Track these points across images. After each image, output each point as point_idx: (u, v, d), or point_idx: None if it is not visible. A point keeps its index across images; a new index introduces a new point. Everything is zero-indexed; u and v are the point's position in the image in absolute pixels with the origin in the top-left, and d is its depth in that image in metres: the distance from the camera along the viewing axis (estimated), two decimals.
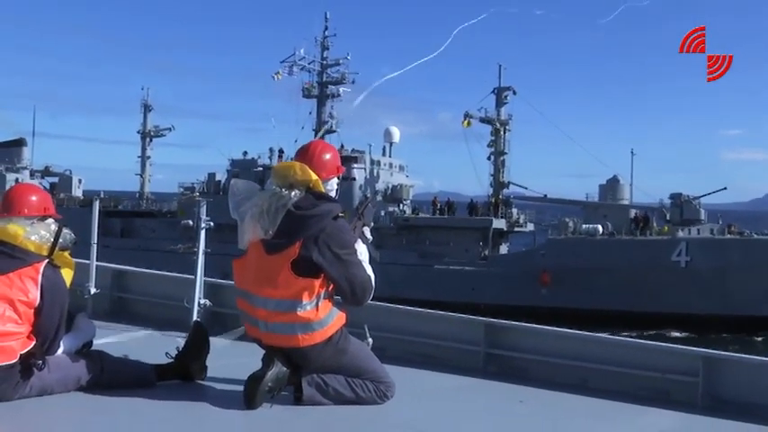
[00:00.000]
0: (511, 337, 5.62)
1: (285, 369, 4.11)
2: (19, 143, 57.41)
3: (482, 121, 46.15)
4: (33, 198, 4.36)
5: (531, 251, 42.95)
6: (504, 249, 45.88)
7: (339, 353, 4.21)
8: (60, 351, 4.22)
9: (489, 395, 5.08)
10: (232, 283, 4.52)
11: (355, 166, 45.49)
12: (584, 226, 41.05)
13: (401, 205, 46.83)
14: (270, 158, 48.24)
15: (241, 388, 4.12)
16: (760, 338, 35.55)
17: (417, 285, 37.97)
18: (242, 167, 46.34)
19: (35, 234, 4.14)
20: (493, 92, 46.74)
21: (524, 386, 5.19)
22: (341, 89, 50.23)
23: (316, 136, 46.60)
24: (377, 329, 4.85)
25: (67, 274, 4.27)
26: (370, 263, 4.33)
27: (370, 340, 4.55)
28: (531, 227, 46.69)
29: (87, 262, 6.42)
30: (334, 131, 49.28)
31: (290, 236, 4.08)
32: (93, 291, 6.50)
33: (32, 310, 4.04)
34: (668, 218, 41.16)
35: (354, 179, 44.42)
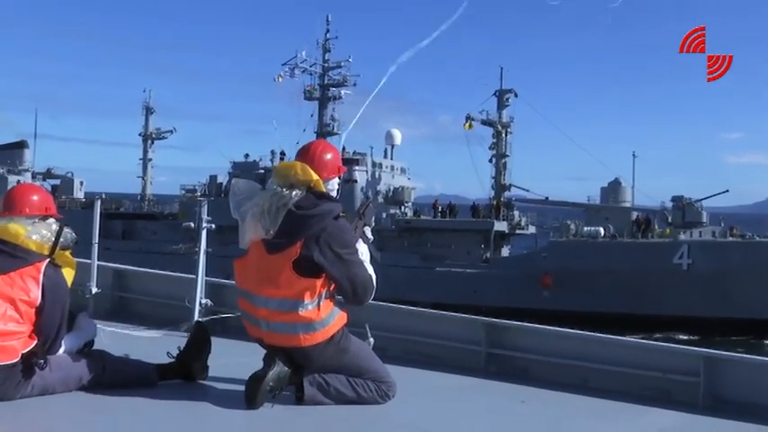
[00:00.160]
0: (512, 337, 5.62)
1: (286, 369, 4.11)
2: (20, 145, 57.47)
3: (483, 123, 46.15)
4: (35, 198, 4.36)
5: (533, 254, 42.94)
6: (505, 252, 45.87)
7: (340, 352, 4.21)
8: (62, 350, 4.22)
9: (490, 395, 5.08)
10: (233, 282, 4.52)
11: (357, 168, 45.53)
12: (585, 228, 41.03)
13: (403, 208, 46.83)
14: (271, 161, 48.21)
15: (242, 388, 4.12)
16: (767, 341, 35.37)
17: (419, 288, 37.94)
18: (243, 170, 46.33)
19: (36, 233, 4.14)
20: (494, 94, 46.74)
21: (526, 386, 5.19)
22: (342, 91, 50.25)
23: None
24: (378, 329, 4.85)
25: (69, 274, 4.27)
26: (371, 263, 4.33)
27: (372, 340, 4.55)
28: (532, 229, 46.67)
29: (88, 261, 6.43)
30: (336, 134, 49.27)
31: (291, 235, 4.07)
32: (94, 290, 6.50)
33: (34, 310, 4.04)
34: (670, 220, 41.14)
35: (356, 181, 44.46)
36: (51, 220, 4.34)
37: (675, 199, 42.00)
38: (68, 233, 4.28)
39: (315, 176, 4.20)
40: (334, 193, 4.38)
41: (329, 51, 50.50)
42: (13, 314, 3.98)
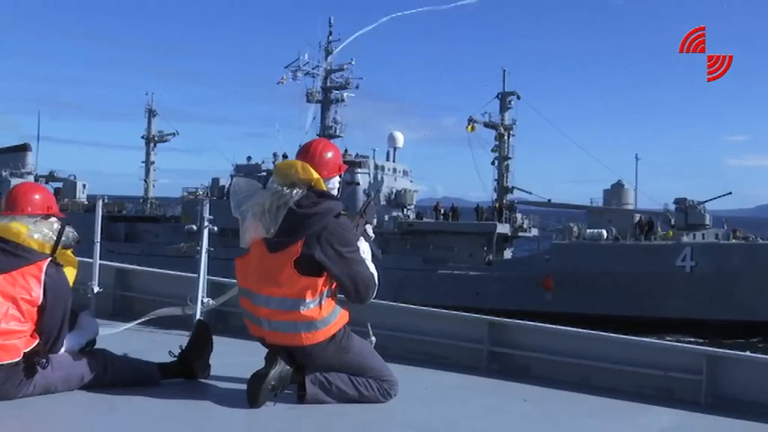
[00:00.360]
0: (514, 336, 5.62)
1: (288, 367, 4.11)
2: (23, 148, 57.57)
3: (486, 125, 46.15)
4: (36, 197, 4.36)
5: (536, 256, 42.89)
6: (508, 254, 45.79)
7: (342, 351, 4.21)
8: (63, 349, 4.22)
9: (492, 393, 5.07)
10: (235, 281, 4.52)
11: (359, 171, 45.50)
12: (588, 231, 41.00)
13: (405, 210, 46.82)
14: (273, 163, 48.23)
15: (244, 386, 4.12)
16: None
17: (421, 290, 37.89)
18: (246, 172, 46.28)
19: (38, 232, 4.15)
20: (497, 96, 46.73)
21: (527, 384, 5.19)
22: (345, 94, 50.24)
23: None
24: (380, 328, 4.85)
25: (70, 273, 4.27)
26: (372, 260, 4.33)
27: (373, 338, 4.54)
28: (535, 232, 46.62)
29: (90, 260, 6.42)
30: (339, 136, 49.28)
31: (292, 234, 4.08)
32: (96, 289, 6.50)
33: (35, 309, 4.05)
34: (673, 223, 41.09)
35: (358, 184, 44.42)
36: (53, 219, 4.35)
37: (678, 201, 41.96)
38: (70, 232, 4.29)
39: (315, 175, 4.20)
40: (335, 192, 4.38)
41: (331, 54, 50.54)
42: (15, 313, 3.99)
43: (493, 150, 46.82)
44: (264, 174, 45.67)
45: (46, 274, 4.07)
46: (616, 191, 44.27)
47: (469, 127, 45.00)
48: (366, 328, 4.57)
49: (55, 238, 4.18)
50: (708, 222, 41.29)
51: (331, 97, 50.20)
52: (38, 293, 4.04)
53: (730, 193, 45.12)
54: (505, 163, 46.93)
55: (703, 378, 4.86)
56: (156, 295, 6.98)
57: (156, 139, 59.45)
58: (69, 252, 4.32)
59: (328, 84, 50.22)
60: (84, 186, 58.33)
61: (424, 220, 46.30)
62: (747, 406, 4.72)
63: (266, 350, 4.21)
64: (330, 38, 50.52)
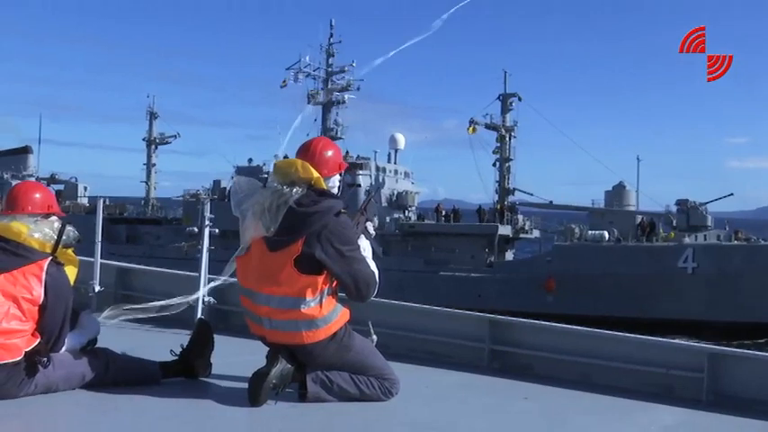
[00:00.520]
0: (515, 334, 5.62)
1: (289, 366, 4.11)
2: (25, 150, 57.63)
3: (487, 127, 46.15)
4: (37, 196, 4.36)
5: (537, 257, 42.85)
6: (509, 256, 45.75)
7: (343, 349, 4.20)
8: (65, 348, 4.22)
9: (494, 392, 5.07)
10: (236, 280, 4.51)
11: (361, 172, 45.51)
12: (590, 232, 40.98)
13: (406, 212, 46.81)
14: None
15: (245, 385, 4.12)
16: None
17: (422, 292, 37.86)
18: (247, 174, 46.22)
19: (39, 232, 4.14)
20: (498, 98, 46.74)
21: (529, 383, 5.20)
22: (346, 96, 50.25)
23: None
24: (381, 326, 4.84)
25: (71, 272, 4.27)
26: (373, 258, 4.33)
27: (375, 337, 4.53)
28: (536, 233, 46.54)
29: (91, 260, 6.43)
30: (340, 138, 49.28)
31: (292, 233, 4.07)
32: (97, 288, 6.50)
33: (37, 308, 4.04)
34: (675, 224, 41.04)
35: (360, 186, 44.42)
36: (54, 218, 4.34)
37: (680, 202, 41.93)
38: (71, 231, 4.28)
39: (315, 174, 4.19)
40: (335, 191, 4.38)
41: (333, 56, 50.53)
42: (16, 312, 3.98)
43: (494, 152, 46.82)
44: (266, 176, 45.57)
45: (47, 273, 4.07)
46: (618, 192, 44.24)
47: (471, 128, 45.02)
48: (367, 326, 4.56)
49: (56, 237, 4.18)
50: (710, 224, 41.24)
51: (332, 99, 50.20)
52: (39, 292, 4.03)
53: (732, 194, 45.07)
54: (507, 164, 46.93)
55: (705, 376, 4.86)
56: (157, 294, 6.97)
57: (158, 141, 59.43)
58: (70, 251, 4.32)
59: (329, 86, 50.24)
60: (85, 189, 58.36)
61: (426, 221, 46.29)
62: (749, 404, 4.72)
63: (267, 349, 4.21)
64: (331, 40, 50.56)
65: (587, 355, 5.30)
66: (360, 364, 4.26)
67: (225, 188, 49.31)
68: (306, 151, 4.35)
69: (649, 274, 36.64)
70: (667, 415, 4.64)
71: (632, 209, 43.92)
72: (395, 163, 50.33)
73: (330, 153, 4.38)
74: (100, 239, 6.66)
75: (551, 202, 45.75)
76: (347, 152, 46.34)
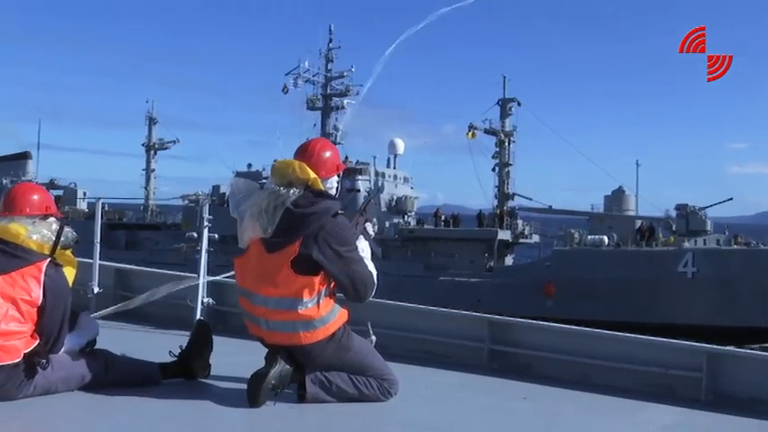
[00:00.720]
0: (514, 334, 5.63)
1: (288, 367, 4.11)
2: (24, 156, 57.60)
3: (487, 132, 46.18)
4: (35, 197, 4.36)
5: (537, 262, 42.82)
6: (509, 261, 45.78)
7: (342, 350, 4.20)
8: (64, 350, 4.21)
9: (493, 392, 5.07)
10: (235, 281, 4.51)
11: (360, 177, 45.54)
12: (589, 237, 40.96)
13: (406, 217, 46.81)
14: None
15: (244, 386, 4.12)
16: None
17: (422, 296, 37.80)
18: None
19: (37, 233, 4.14)
20: (497, 103, 46.75)
21: (528, 383, 5.20)
22: (345, 101, 50.30)
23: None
24: (380, 327, 4.85)
25: (70, 273, 4.27)
26: (371, 259, 4.33)
27: (374, 338, 4.53)
28: (536, 238, 46.53)
29: (90, 261, 6.43)
30: (339, 143, 49.32)
31: (289, 234, 4.07)
32: (96, 290, 6.50)
33: (35, 309, 4.04)
34: (674, 229, 41.01)
35: (359, 191, 44.45)
36: (52, 219, 4.34)
37: (679, 207, 41.91)
38: (69, 232, 4.28)
39: (312, 175, 4.19)
40: (333, 192, 4.37)
41: (332, 61, 50.60)
42: (15, 314, 3.98)
43: (493, 157, 46.81)
44: (265, 181, 45.62)
45: (45, 274, 4.07)
46: (617, 197, 44.25)
47: (470, 134, 45.05)
48: (366, 326, 4.56)
49: (54, 238, 4.18)
50: (709, 228, 41.22)
51: (331, 104, 50.26)
52: (37, 294, 4.03)
53: (731, 198, 45.07)
54: (506, 169, 46.92)
55: (703, 375, 4.87)
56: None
57: (157, 146, 59.44)
58: (68, 252, 4.31)
59: (328, 91, 50.29)
60: (84, 194, 58.33)
61: (425, 226, 46.30)
62: (748, 403, 4.72)
63: (266, 350, 4.21)
64: (330, 45, 50.64)
65: (586, 355, 5.30)
66: (359, 364, 4.26)
67: (224, 193, 49.37)
68: (304, 152, 4.35)
69: (649, 279, 36.62)
70: (666, 415, 4.63)
71: (632, 214, 43.93)
72: (394, 168, 50.36)
73: (328, 154, 4.38)
74: (99, 240, 6.66)
75: (551, 206, 45.75)
76: (346, 157, 46.38)
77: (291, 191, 4.14)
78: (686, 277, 37.20)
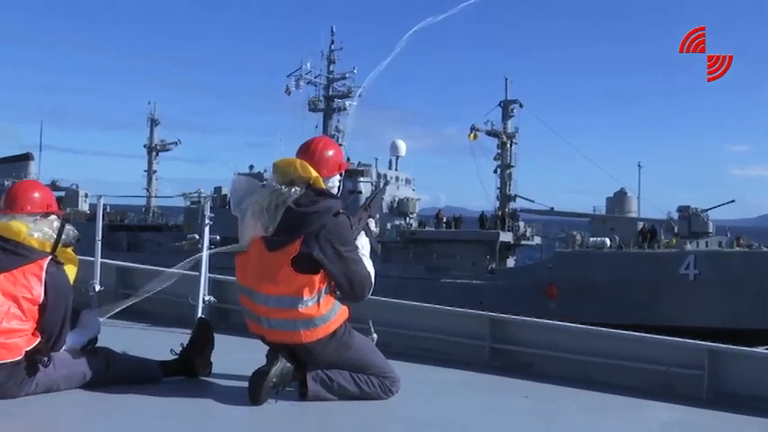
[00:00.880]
0: (516, 332, 5.63)
1: (289, 365, 4.11)
2: (26, 157, 57.62)
3: (488, 134, 46.17)
4: (36, 195, 4.37)
5: (539, 264, 42.80)
6: (511, 262, 45.74)
7: (343, 348, 4.20)
8: (65, 348, 4.21)
9: (494, 390, 5.08)
10: (236, 279, 4.51)
11: (362, 179, 45.54)
12: (591, 239, 40.89)
13: (408, 219, 46.81)
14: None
15: (246, 384, 4.12)
16: None
17: (424, 298, 37.65)
18: None
19: (38, 231, 4.14)
20: (499, 105, 46.75)
21: (529, 381, 5.20)
22: (347, 103, 50.32)
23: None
24: (382, 325, 4.84)
25: (71, 271, 4.27)
26: (371, 256, 4.34)
27: (375, 336, 4.53)
28: (538, 240, 46.49)
29: (92, 259, 6.43)
30: (341, 144, 49.34)
31: (290, 233, 4.07)
32: (97, 288, 6.50)
33: (37, 307, 4.04)
34: (676, 231, 40.95)
35: (361, 192, 44.45)
36: (53, 217, 4.35)
37: (681, 209, 41.85)
38: (70, 230, 4.28)
39: (314, 173, 4.19)
40: (335, 191, 4.37)
41: (334, 63, 50.63)
42: (17, 312, 3.98)
43: (495, 159, 46.81)
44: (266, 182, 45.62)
45: (47, 272, 4.07)
46: (619, 199, 44.18)
47: (472, 135, 45.03)
48: (368, 325, 4.56)
49: (55, 236, 4.18)
50: (711, 230, 41.16)
51: (333, 106, 50.28)
52: (39, 292, 4.03)
53: (733, 200, 44.95)
54: (508, 171, 46.91)
55: (705, 373, 4.86)
56: (157, 293, 6.97)
57: (159, 148, 59.47)
58: (70, 250, 4.31)
59: (330, 92, 50.32)
60: (86, 195, 58.36)
61: (427, 228, 46.28)
62: (749, 401, 4.72)
63: (267, 348, 4.20)
64: (332, 46, 50.66)
65: (588, 353, 5.30)
66: (360, 362, 4.26)
67: (226, 195, 49.42)
68: (306, 150, 4.35)
69: (651, 281, 36.56)
70: (667, 412, 4.63)
71: (634, 215, 43.85)
72: (396, 170, 50.36)
73: (330, 153, 4.38)
74: (100, 238, 6.66)
75: (552, 208, 45.69)
76: (348, 159, 46.21)
77: (293, 189, 4.14)
78: (688, 279, 37.15)
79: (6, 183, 52.67)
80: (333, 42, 50.88)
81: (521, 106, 46.95)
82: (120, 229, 51.22)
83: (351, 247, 4.18)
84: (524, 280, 40.12)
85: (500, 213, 45.65)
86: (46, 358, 4.03)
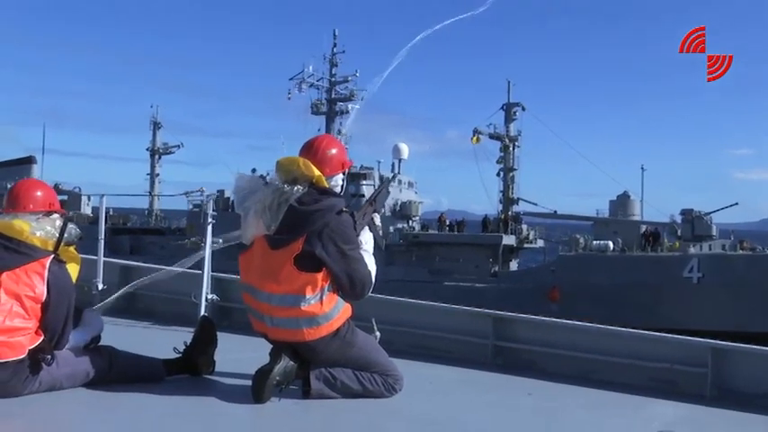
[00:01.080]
0: (519, 330, 5.63)
1: (293, 363, 4.11)
2: (29, 161, 57.68)
3: (491, 137, 46.17)
4: (38, 193, 4.38)
5: (542, 267, 42.77)
6: (514, 266, 45.69)
7: (346, 346, 4.20)
8: (68, 346, 4.21)
9: (497, 388, 5.07)
10: (239, 277, 4.51)
11: (364, 182, 45.53)
12: (594, 242, 40.87)
13: (410, 222, 46.80)
14: None
15: (249, 382, 4.12)
16: None
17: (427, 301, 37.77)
18: None
19: (41, 229, 4.15)
20: (502, 108, 46.77)
21: (532, 378, 5.20)
22: (350, 106, 50.33)
23: None
24: (384, 323, 4.83)
25: (73, 269, 4.28)
26: (374, 252, 4.33)
27: (378, 334, 4.52)
28: (541, 243, 46.46)
29: (95, 258, 6.43)
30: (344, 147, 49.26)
31: (293, 231, 4.08)
32: (100, 286, 6.50)
33: (39, 306, 4.05)
34: (679, 234, 40.89)
35: (363, 195, 44.43)
36: (55, 215, 4.35)
37: (685, 212, 41.80)
38: (73, 229, 4.29)
39: (317, 172, 4.19)
40: (337, 189, 4.37)
41: (336, 66, 50.64)
42: (19, 310, 3.99)
43: (498, 162, 46.80)
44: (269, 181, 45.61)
45: (49, 270, 4.07)
46: (622, 202, 44.16)
47: (474, 138, 45.02)
48: (371, 323, 4.56)
49: (57, 234, 4.18)
50: (714, 234, 41.10)
51: (336, 109, 50.30)
52: (41, 290, 4.03)
53: (737, 203, 44.88)
54: (511, 174, 46.91)
55: (708, 371, 4.85)
56: (160, 292, 6.98)
57: (161, 151, 59.50)
58: (72, 248, 4.32)
59: (333, 95, 50.34)
60: (88, 198, 58.41)
61: (430, 231, 46.27)
62: (752, 399, 4.71)
63: (270, 346, 4.20)
64: (335, 49, 50.68)
65: (590, 351, 5.30)
66: (363, 360, 4.25)
67: (228, 198, 49.43)
68: (309, 149, 4.35)
69: (654, 285, 36.51)
70: (671, 410, 4.62)
71: (637, 219, 43.80)
72: (399, 173, 50.33)
73: (333, 151, 4.38)
74: (103, 236, 6.67)
75: (555, 211, 45.63)
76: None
77: (296, 188, 4.14)
78: (691, 283, 37.11)
79: (9, 186, 52.70)
80: (335, 45, 50.91)
81: (523, 109, 46.98)
82: (123, 233, 51.27)
83: (353, 246, 4.18)
84: (527, 283, 40.08)
85: (503, 216, 45.62)
86: (49, 356, 4.03)
